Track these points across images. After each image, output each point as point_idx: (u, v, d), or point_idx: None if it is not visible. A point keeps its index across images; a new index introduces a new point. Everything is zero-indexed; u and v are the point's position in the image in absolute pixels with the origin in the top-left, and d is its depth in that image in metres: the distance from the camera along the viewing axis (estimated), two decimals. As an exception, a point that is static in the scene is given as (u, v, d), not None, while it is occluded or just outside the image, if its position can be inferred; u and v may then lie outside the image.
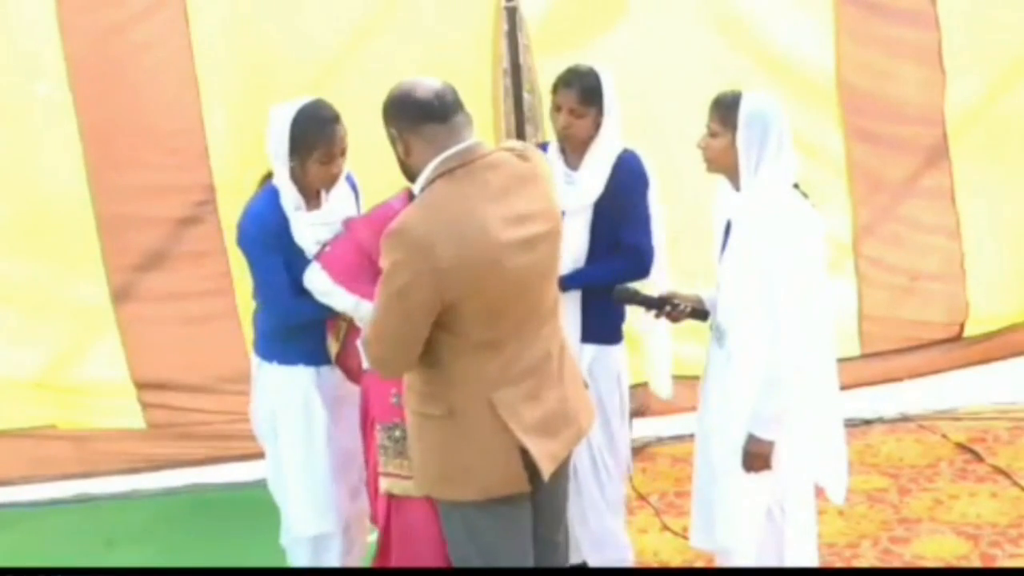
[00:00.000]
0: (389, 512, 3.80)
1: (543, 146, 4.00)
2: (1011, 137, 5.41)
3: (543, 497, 3.19)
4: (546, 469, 3.07)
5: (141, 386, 5.15)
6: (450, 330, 2.95)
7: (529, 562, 3.20)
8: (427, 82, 3.02)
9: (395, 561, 3.82)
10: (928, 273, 5.50)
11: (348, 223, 3.72)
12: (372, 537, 4.04)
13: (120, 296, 5.04)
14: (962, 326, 5.57)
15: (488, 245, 2.90)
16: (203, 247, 4.96)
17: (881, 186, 5.38)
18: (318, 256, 3.67)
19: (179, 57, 4.83)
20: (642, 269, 3.90)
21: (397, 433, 3.70)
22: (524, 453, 3.04)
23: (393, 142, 3.03)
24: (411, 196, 3.62)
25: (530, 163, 3.08)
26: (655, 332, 4.09)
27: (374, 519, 3.98)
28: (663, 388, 4.17)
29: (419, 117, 2.96)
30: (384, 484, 3.75)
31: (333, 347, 3.81)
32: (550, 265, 3.12)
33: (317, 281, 3.65)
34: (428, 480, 3.16)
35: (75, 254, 5.00)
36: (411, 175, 3.05)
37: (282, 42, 4.94)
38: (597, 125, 3.89)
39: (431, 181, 2.96)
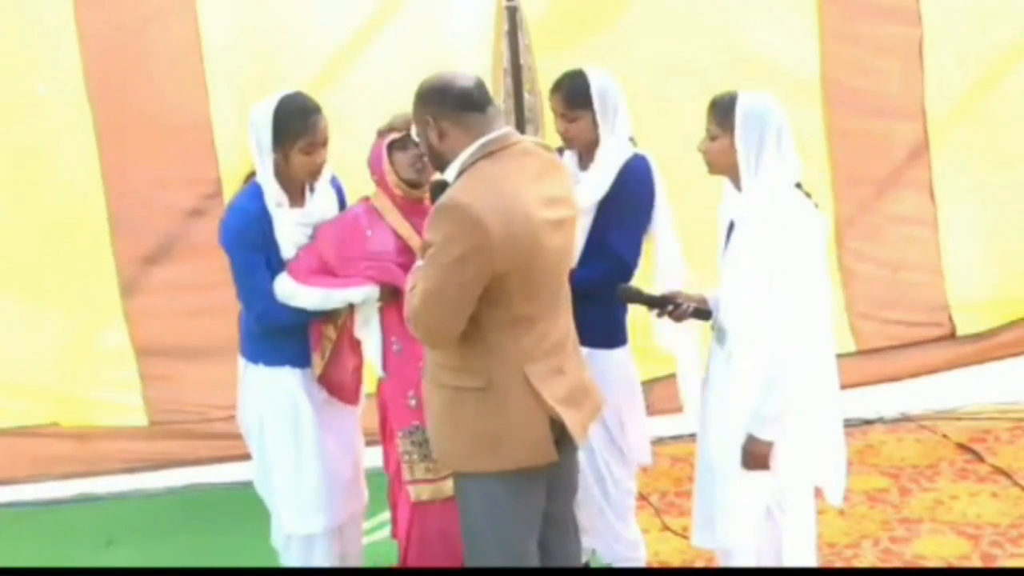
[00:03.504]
0: (413, 519, 3.79)
1: (559, 151, 3.97)
2: (993, 133, 5.48)
3: (556, 473, 3.28)
4: (579, 437, 3.24)
5: (146, 379, 5.20)
6: (493, 303, 3.08)
7: (533, 544, 3.30)
8: (465, 73, 3.20)
9: (411, 564, 3.81)
10: (912, 266, 5.57)
11: (316, 230, 3.73)
12: (367, 539, 4.06)
13: (129, 287, 5.12)
14: (951, 320, 5.60)
15: (530, 221, 3.05)
16: (210, 239, 4.99)
17: (863, 181, 5.47)
18: (287, 266, 3.68)
19: (189, 56, 4.95)
20: (621, 275, 3.85)
21: (419, 436, 3.70)
22: (552, 425, 3.16)
23: (425, 127, 3.15)
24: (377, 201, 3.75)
25: (553, 154, 3.29)
26: (683, 347, 4.01)
27: (394, 534, 3.97)
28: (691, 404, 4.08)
29: (460, 106, 3.11)
30: (413, 493, 3.75)
31: (318, 366, 3.79)
32: (571, 249, 3.31)
33: (284, 287, 3.66)
34: (458, 453, 3.24)
35: (87, 246, 5.08)
36: (441, 160, 3.17)
37: (287, 42, 5.05)
38: (596, 125, 3.89)
39: (472, 163, 3.09)
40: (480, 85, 3.16)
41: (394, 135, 3.69)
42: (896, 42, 5.34)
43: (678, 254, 4.00)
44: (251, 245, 3.65)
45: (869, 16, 5.32)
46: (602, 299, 3.76)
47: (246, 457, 4.08)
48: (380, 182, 3.76)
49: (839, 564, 4.30)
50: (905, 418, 5.48)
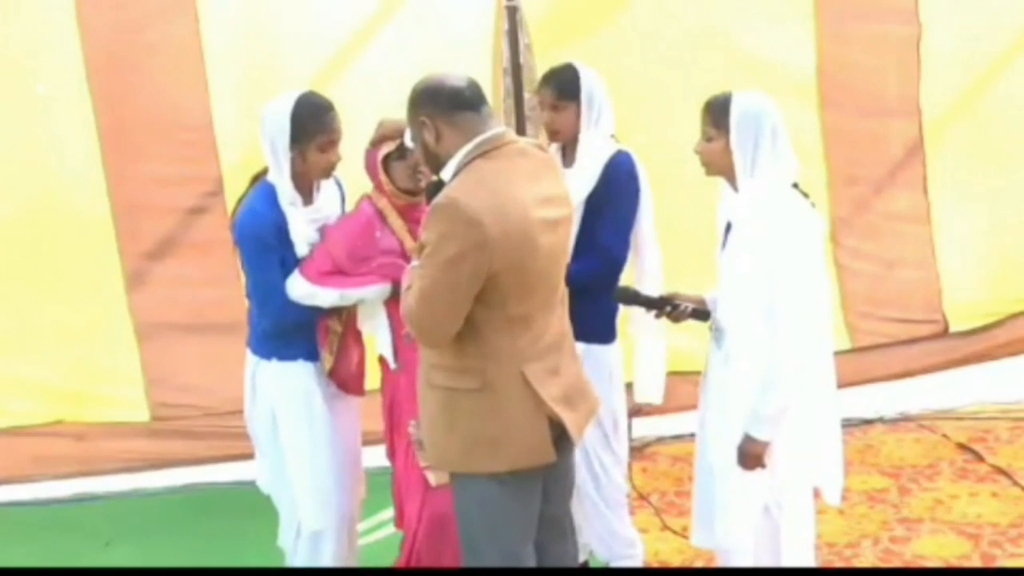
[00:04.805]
0: (424, 503, 3.80)
1: None
2: (988, 132, 5.51)
3: (552, 474, 3.28)
4: (576, 437, 3.25)
5: (148, 375, 5.23)
6: (488, 303, 3.07)
7: (530, 545, 3.30)
8: (457, 74, 3.20)
9: (419, 547, 3.81)
10: (907, 263, 5.60)
11: (324, 231, 3.76)
12: (367, 539, 4.04)
13: (132, 285, 5.15)
14: (944, 317, 5.62)
15: (526, 221, 3.05)
16: (212, 237, 5.02)
17: (859, 179, 5.50)
18: (298, 266, 3.71)
19: (190, 56, 4.98)
20: (611, 270, 3.90)
21: None
22: (551, 425, 3.17)
23: (421, 128, 3.15)
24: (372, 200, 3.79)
25: (548, 154, 3.32)
26: (649, 336, 4.08)
27: (399, 522, 3.98)
28: (651, 394, 4.15)
29: (454, 105, 3.12)
30: (433, 478, 3.75)
31: (327, 361, 3.80)
32: (566, 248, 3.30)
33: (299, 288, 3.68)
34: (453, 455, 3.23)
35: (91, 244, 5.11)
36: (437, 161, 3.17)
37: (287, 42, 5.07)
38: (579, 118, 3.91)
39: (468, 162, 3.09)
40: (472, 85, 3.16)
41: (387, 145, 3.70)
42: (892, 41, 5.37)
43: (656, 252, 4.03)
44: (266, 246, 3.66)
45: (866, 15, 5.34)
46: (595, 295, 3.78)
47: (247, 456, 4.09)
48: (378, 187, 3.80)
49: (839, 564, 4.30)
50: (905, 418, 5.48)
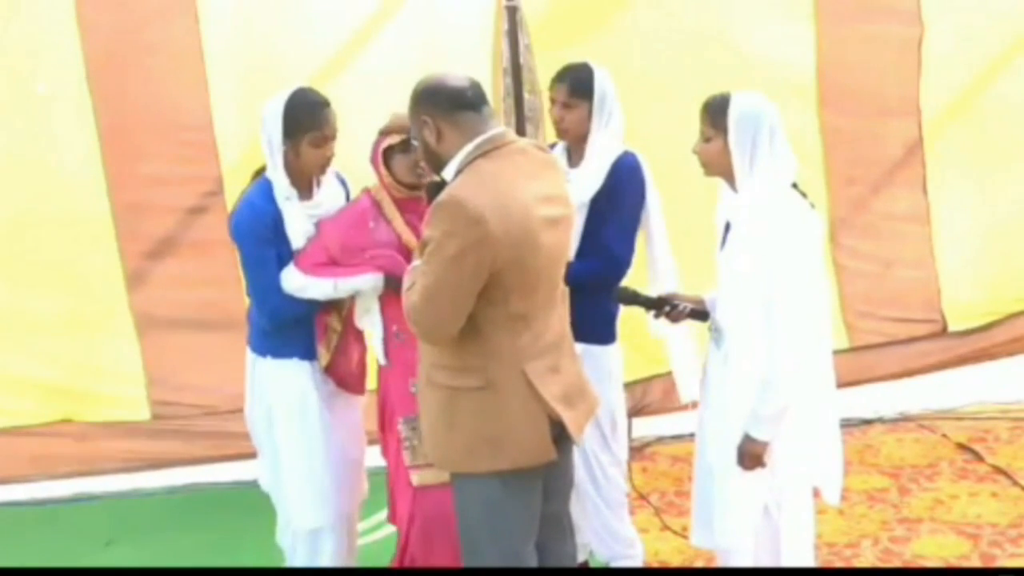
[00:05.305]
0: (414, 503, 3.80)
1: (551, 147, 4.01)
2: (987, 131, 5.51)
3: (552, 472, 3.29)
4: (577, 436, 3.27)
5: (149, 374, 5.24)
6: (490, 301, 3.08)
7: (531, 545, 3.31)
8: (458, 74, 3.21)
9: (412, 549, 3.82)
10: (906, 263, 5.60)
11: (320, 224, 3.78)
12: (367, 539, 4.04)
13: (133, 285, 5.17)
14: (943, 316, 5.62)
15: (528, 219, 3.07)
16: (212, 236, 5.03)
17: (858, 178, 5.50)
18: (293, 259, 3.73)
19: (190, 55, 4.98)
20: (614, 271, 3.90)
21: (420, 422, 3.71)
22: (551, 424, 3.17)
23: (422, 128, 3.16)
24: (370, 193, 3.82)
25: (548, 154, 3.34)
26: (676, 334, 4.05)
27: (391, 518, 3.98)
28: (694, 391, 4.13)
29: (455, 105, 3.14)
30: (416, 478, 3.76)
31: (324, 358, 3.82)
32: (567, 248, 3.31)
33: (293, 280, 3.70)
34: (455, 455, 3.23)
35: (91, 242, 5.12)
36: (438, 160, 3.19)
37: (287, 42, 5.07)
38: (590, 118, 3.92)
39: (469, 161, 3.11)
40: (473, 85, 3.18)
41: (392, 138, 3.72)
42: (892, 41, 5.37)
43: (668, 252, 4.02)
44: (262, 240, 3.69)
45: (866, 15, 5.35)
46: (597, 295, 3.78)
47: (247, 455, 4.10)
48: (379, 179, 3.80)
49: (839, 564, 4.30)
50: (904, 418, 5.48)
